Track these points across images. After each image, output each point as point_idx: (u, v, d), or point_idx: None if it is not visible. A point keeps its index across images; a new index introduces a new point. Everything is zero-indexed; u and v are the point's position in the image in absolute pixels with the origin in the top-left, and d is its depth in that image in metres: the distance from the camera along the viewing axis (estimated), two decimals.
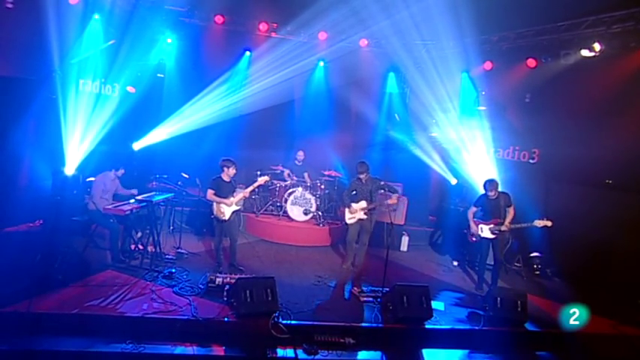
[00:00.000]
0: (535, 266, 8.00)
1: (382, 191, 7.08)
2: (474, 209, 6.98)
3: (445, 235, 9.25)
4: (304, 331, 4.86)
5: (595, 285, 7.29)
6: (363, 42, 10.26)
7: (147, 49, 9.14)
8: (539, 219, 6.45)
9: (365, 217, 6.90)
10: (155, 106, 9.24)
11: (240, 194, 6.21)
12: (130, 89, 8.84)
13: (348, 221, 6.97)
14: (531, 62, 8.82)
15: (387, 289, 5.57)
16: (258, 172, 8.81)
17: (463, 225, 8.92)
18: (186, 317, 4.77)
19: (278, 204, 8.78)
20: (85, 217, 6.40)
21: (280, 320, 4.87)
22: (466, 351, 5.06)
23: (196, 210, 8.14)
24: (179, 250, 6.78)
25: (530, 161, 8.77)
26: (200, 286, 5.56)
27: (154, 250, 6.31)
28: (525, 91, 9.02)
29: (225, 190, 6.17)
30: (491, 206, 6.80)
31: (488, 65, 9.52)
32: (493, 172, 8.72)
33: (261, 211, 8.74)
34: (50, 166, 6.91)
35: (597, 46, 7.71)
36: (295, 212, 8.48)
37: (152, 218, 6.25)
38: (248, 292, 4.80)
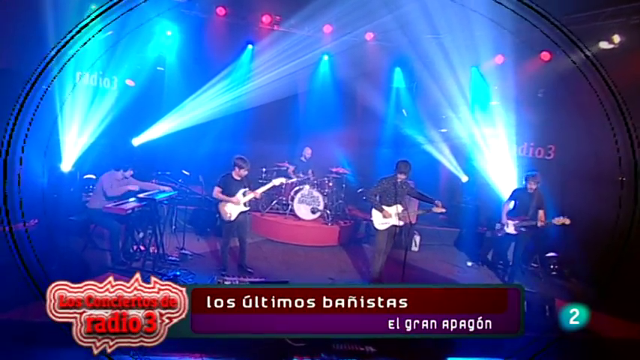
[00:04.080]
0: (551, 266, 7.71)
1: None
2: (509, 203, 6.71)
3: (459, 233, 8.96)
4: (322, 339, 4.51)
5: (616, 286, 6.99)
6: (369, 35, 9.93)
7: (146, 42, 8.77)
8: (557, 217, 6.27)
9: (400, 223, 6.02)
10: (155, 100, 8.89)
11: (251, 195, 5.87)
12: (129, 82, 8.49)
13: (380, 227, 6.04)
14: (545, 55, 8.53)
15: None
16: (264, 169, 8.50)
17: (475, 223, 8.70)
18: None
19: (284, 202, 8.44)
20: (83, 217, 6.04)
21: None
22: (495, 359, 4.74)
23: (200, 209, 7.79)
24: (183, 251, 6.43)
25: (546, 157, 8.49)
26: None
27: (156, 251, 5.97)
28: (539, 85, 8.75)
29: (233, 189, 5.83)
30: (523, 201, 6.54)
31: (499, 59, 9.24)
32: (511, 169, 8.47)
33: (267, 210, 8.39)
34: (45, 163, 6.55)
35: (617, 38, 7.43)
36: (302, 211, 8.15)
37: (155, 217, 5.90)
38: None
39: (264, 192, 6.14)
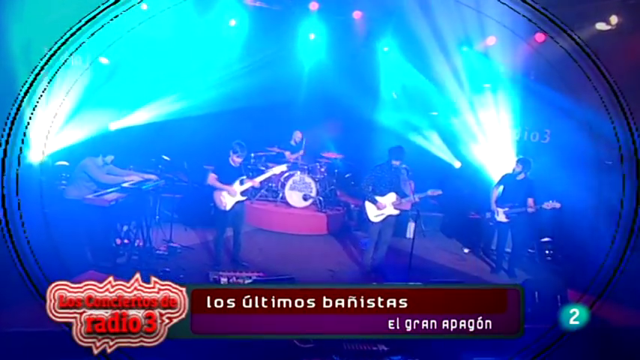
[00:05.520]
0: (547, 252, 7.67)
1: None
2: (498, 188, 6.53)
3: (449, 220, 8.80)
4: (330, 339, 4.20)
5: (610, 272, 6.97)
6: (357, 14, 9.49)
7: (120, 15, 8.02)
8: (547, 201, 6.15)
9: (397, 212, 5.85)
10: (132, 80, 8.19)
11: (249, 183, 5.46)
12: (103, 60, 7.79)
13: (374, 219, 5.79)
14: (540, 37, 8.33)
15: None
16: (252, 155, 8.04)
17: (467, 209, 8.54)
18: None
19: (274, 189, 8.03)
20: (59, 208, 5.46)
21: None
22: (510, 355, 4.54)
23: (186, 197, 7.27)
24: (171, 244, 5.95)
25: (542, 142, 8.38)
26: None
27: (142, 244, 5.49)
28: (532, 67, 8.58)
29: (230, 177, 5.40)
30: (512, 188, 6.41)
31: (492, 40, 8.99)
32: (504, 154, 8.30)
33: (256, 197, 7.95)
34: (12, 149, 5.89)
35: (614, 19, 7.29)
36: (294, 198, 7.77)
37: (140, 208, 5.41)
38: None
39: (263, 180, 5.73)
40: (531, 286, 5.16)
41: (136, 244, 5.45)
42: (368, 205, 5.80)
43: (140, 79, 8.34)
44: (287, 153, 8.30)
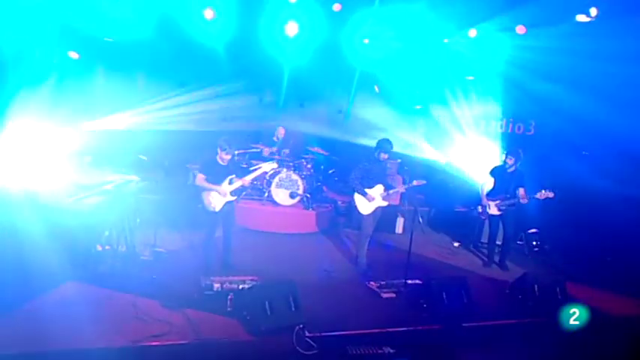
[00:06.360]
0: (534, 243, 7.71)
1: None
2: (489, 181, 6.47)
3: (437, 214, 8.74)
4: (335, 343, 4.03)
5: (596, 261, 7.07)
6: (337, 7, 9.26)
7: (90, 4, 7.51)
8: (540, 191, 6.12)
9: (385, 203, 5.85)
10: (106, 78, 7.71)
11: (239, 182, 5.17)
12: (72, 55, 7.29)
13: (364, 211, 5.77)
14: (521, 29, 8.34)
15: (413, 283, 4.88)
16: (236, 152, 7.71)
17: (453, 203, 8.51)
18: (187, 341, 3.75)
19: (260, 187, 7.74)
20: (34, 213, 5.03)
21: (305, 333, 3.99)
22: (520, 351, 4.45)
23: (170, 198, 6.88)
24: (156, 249, 5.59)
25: (527, 133, 8.40)
26: (194, 294, 4.51)
27: (125, 250, 5.13)
28: (515, 60, 8.58)
29: (219, 176, 5.10)
30: (502, 180, 6.39)
31: (473, 32, 8.95)
32: (490, 146, 8.30)
33: (242, 196, 7.64)
34: None
35: (594, 11, 7.35)
36: (281, 196, 7.50)
37: (122, 211, 5.05)
38: (267, 302, 3.85)
39: (253, 179, 5.45)
40: (530, 279, 5.12)
41: (119, 250, 5.09)
42: (358, 198, 5.79)
43: (111, 74, 7.88)
44: (265, 149, 8.02)
